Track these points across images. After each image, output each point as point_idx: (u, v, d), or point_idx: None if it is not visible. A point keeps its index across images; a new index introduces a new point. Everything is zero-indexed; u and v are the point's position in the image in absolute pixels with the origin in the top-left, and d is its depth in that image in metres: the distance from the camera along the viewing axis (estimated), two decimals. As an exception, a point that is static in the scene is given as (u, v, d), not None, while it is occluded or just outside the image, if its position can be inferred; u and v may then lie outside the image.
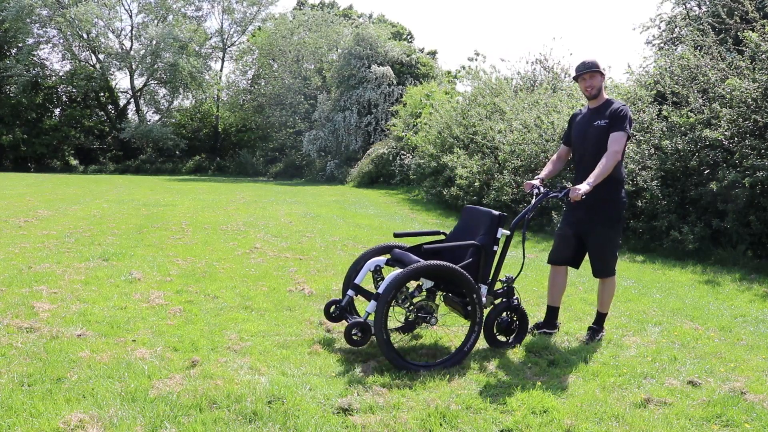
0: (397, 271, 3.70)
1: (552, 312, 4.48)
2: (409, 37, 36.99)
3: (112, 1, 33.09)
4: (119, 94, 36.13)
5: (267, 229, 9.36)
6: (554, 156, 4.69)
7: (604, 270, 4.32)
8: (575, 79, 4.38)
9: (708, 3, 14.48)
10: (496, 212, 4.02)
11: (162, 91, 35.86)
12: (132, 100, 35.91)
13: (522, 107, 12.43)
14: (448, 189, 13.36)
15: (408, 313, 3.81)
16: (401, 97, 23.35)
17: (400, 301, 3.75)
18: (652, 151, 8.73)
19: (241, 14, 36.72)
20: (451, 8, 79.73)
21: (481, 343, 4.09)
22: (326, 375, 3.46)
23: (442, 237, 4.41)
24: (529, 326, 4.36)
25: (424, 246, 4.01)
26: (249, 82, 34.92)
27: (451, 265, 3.67)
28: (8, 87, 31.98)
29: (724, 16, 10.13)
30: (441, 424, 2.90)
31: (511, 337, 4.15)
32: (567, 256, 4.43)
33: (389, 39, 26.86)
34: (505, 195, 10.88)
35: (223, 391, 3.13)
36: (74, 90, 33.80)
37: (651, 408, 3.15)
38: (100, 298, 4.91)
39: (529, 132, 11.14)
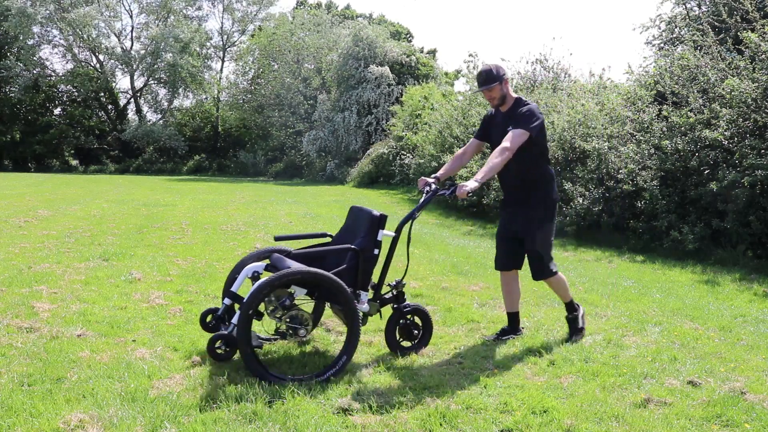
0: (263, 279, 3.40)
1: (513, 317, 4.35)
2: (408, 36, 36.99)
3: (112, 1, 33.11)
4: (119, 94, 36.16)
5: (267, 229, 9.35)
6: (459, 151, 4.39)
7: (542, 272, 4.17)
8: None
9: (708, 3, 14.48)
10: (377, 212, 3.74)
11: (162, 92, 35.92)
12: (132, 100, 35.94)
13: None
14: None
15: (279, 324, 3.55)
16: (401, 96, 23.36)
17: (269, 311, 3.53)
18: (652, 151, 8.73)
19: (242, 13, 36.77)
20: (450, 8, 79.77)
21: (477, 345, 4.08)
22: (326, 375, 3.46)
23: (329, 239, 4.13)
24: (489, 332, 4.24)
25: (294, 251, 3.81)
26: (249, 82, 34.94)
27: (318, 271, 3.39)
28: (9, 87, 31.99)
29: (725, 15, 10.12)
30: (441, 424, 2.90)
31: (416, 341, 3.94)
32: (512, 259, 4.27)
33: (388, 39, 26.85)
34: (505, 195, 10.87)
35: (223, 391, 3.13)
36: (74, 90, 33.82)
37: (651, 408, 3.15)
38: (100, 298, 4.91)
39: (529, 132, 11.12)
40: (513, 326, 4.36)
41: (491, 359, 3.84)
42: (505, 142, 3.89)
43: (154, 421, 2.81)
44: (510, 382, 3.45)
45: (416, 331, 3.94)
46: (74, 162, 33.03)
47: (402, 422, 2.91)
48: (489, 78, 4.02)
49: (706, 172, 7.96)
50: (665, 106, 8.87)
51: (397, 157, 20.44)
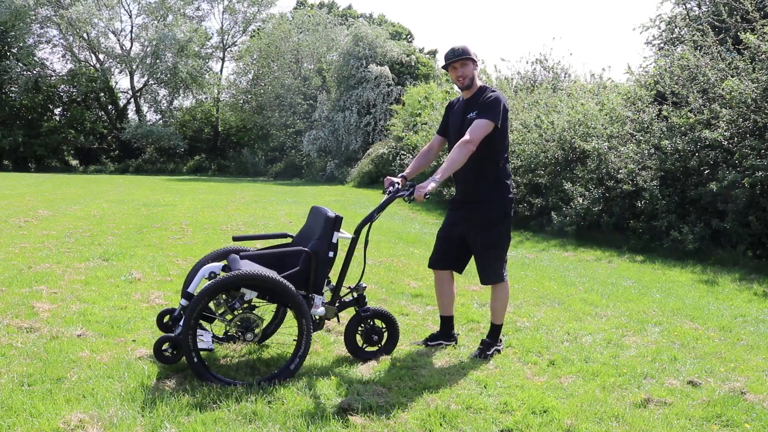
0: (209, 282, 3.32)
1: (446, 322, 4.07)
2: (408, 36, 37.00)
3: (112, 1, 33.10)
4: (119, 94, 36.15)
5: (267, 229, 9.35)
6: (425, 147, 4.13)
7: (488, 276, 3.90)
8: (445, 68, 3.86)
9: (708, 3, 14.48)
10: (333, 214, 3.56)
11: (162, 92, 35.89)
12: (132, 100, 35.94)
13: (522, 107, 12.44)
14: (448, 189, 13.36)
15: (228, 327, 3.48)
16: (401, 96, 23.38)
17: (219, 314, 3.45)
18: (652, 151, 8.73)
19: (242, 14, 36.76)
20: (450, 8, 79.78)
21: (477, 345, 4.08)
22: (326, 375, 3.46)
23: (289, 240, 4.00)
24: (433, 336, 4.06)
25: (252, 252, 3.74)
26: (249, 82, 34.94)
27: (262, 273, 3.27)
28: (9, 87, 31.96)
29: (725, 15, 10.12)
30: (441, 424, 2.90)
31: (380, 345, 3.82)
32: (449, 259, 4.02)
33: (388, 39, 26.88)
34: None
35: (224, 391, 3.13)
36: (74, 90, 33.80)
37: (651, 408, 3.15)
38: (100, 298, 4.91)
39: (529, 132, 11.15)
40: (445, 331, 4.08)
41: (491, 359, 3.83)
42: (467, 134, 3.59)
43: (154, 421, 2.81)
44: (510, 382, 3.45)
45: (376, 336, 3.79)
46: (74, 162, 33.02)
47: (402, 422, 2.91)
48: (465, 51, 3.77)
49: (706, 172, 7.96)
50: (665, 106, 8.87)
51: (397, 157, 20.43)
